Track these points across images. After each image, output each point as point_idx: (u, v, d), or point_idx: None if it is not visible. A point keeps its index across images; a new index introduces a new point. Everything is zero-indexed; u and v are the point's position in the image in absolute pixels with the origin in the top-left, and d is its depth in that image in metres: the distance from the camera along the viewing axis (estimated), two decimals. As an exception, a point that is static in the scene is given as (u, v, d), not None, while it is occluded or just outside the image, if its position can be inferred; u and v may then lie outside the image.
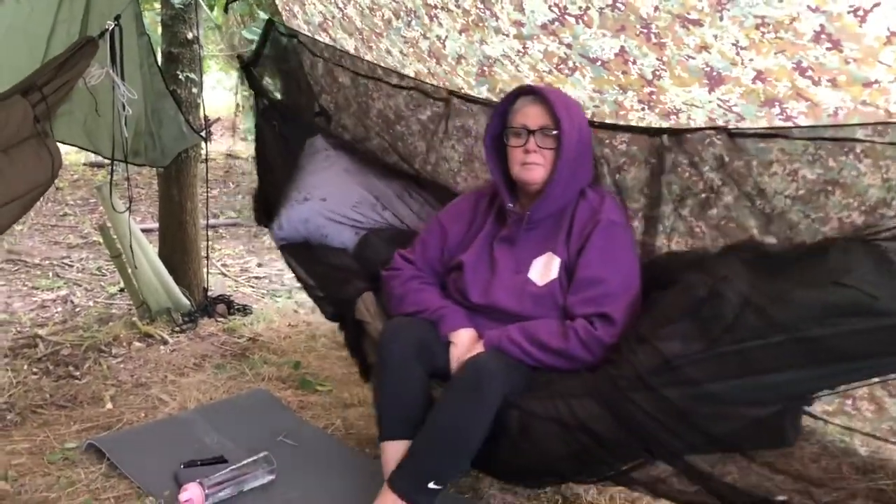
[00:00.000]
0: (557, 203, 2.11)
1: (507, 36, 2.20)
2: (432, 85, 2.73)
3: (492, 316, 2.14)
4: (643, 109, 2.16)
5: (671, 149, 2.15)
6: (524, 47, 2.21)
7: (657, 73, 1.98)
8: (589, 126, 2.16)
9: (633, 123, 2.23)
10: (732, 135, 2.01)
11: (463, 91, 2.61)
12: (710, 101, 1.96)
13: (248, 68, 3.16)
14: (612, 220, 2.09)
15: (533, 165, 2.08)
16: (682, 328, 1.76)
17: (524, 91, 2.14)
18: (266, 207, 3.01)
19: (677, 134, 2.13)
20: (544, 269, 2.11)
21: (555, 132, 2.05)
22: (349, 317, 2.46)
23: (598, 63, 2.08)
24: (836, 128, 1.80)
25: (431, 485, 1.91)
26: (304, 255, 2.78)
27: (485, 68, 2.42)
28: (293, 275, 2.89)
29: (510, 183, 2.20)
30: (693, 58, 1.86)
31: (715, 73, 1.86)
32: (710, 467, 1.78)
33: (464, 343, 2.12)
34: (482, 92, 2.54)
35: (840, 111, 1.76)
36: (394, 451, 2.00)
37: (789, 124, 1.88)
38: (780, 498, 2.01)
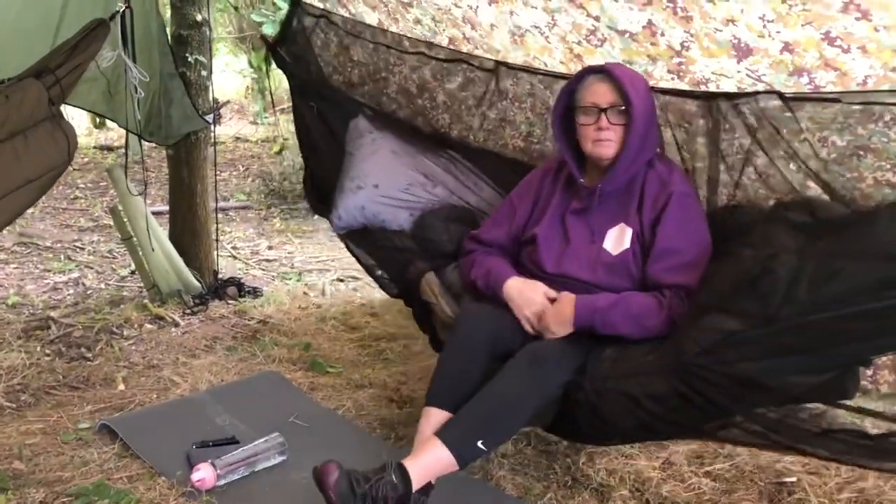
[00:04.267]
0: (627, 174, 2.16)
1: (536, 8, 2.19)
2: (476, 56, 2.72)
3: (565, 286, 2.18)
4: (673, 80, 2.18)
5: (723, 110, 2.17)
6: (553, 19, 2.21)
7: (685, 44, 1.99)
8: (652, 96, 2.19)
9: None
10: (785, 98, 2.00)
11: (501, 53, 2.59)
12: (738, 72, 1.97)
13: (275, 48, 3.14)
14: (683, 191, 2.15)
15: (606, 142, 2.12)
16: (737, 305, 1.82)
17: (591, 70, 2.16)
18: (318, 194, 3.09)
19: (731, 98, 2.13)
20: (618, 239, 2.16)
21: (624, 108, 2.08)
22: (416, 299, 2.57)
23: (627, 35, 2.09)
24: (878, 93, 1.80)
25: (479, 444, 1.96)
26: (364, 240, 2.85)
27: (516, 38, 2.41)
28: (356, 259, 2.95)
29: (578, 157, 2.24)
30: (720, 30, 1.86)
31: (743, 45, 1.87)
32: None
33: (518, 291, 2.20)
34: (518, 56, 2.53)
35: (869, 79, 1.77)
36: (435, 418, 2.05)
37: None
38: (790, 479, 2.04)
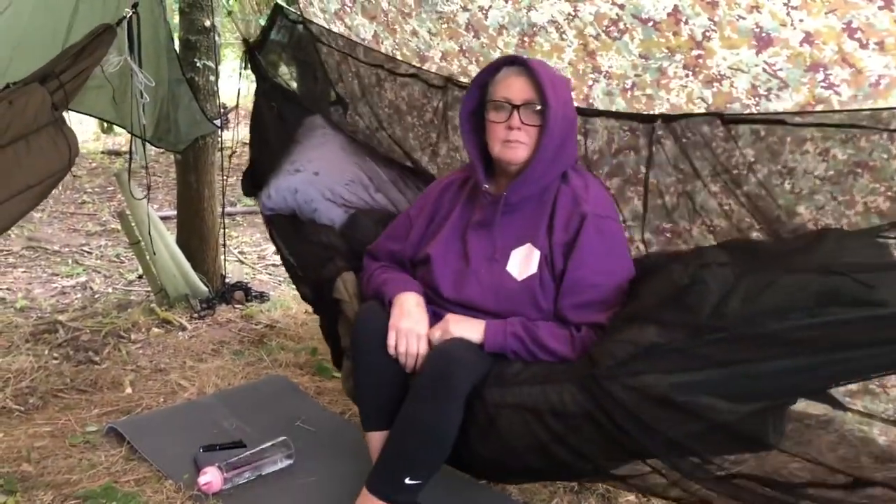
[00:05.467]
0: (538, 185, 1.94)
1: None
2: (433, 73, 2.72)
3: (464, 313, 1.97)
4: (686, 76, 2.10)
5: (660, 135, 2.12)
6: (575, 10, 2.15)
7: (707, 34, 1.95)
8: (576, 112, 2.04)
9: (675, 92, 2.18)
10: (726, 121, 1.99)
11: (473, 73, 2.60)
12: (755, 65, 1.93)
13: (253, 51, 3.12)
14: (600, 213, 1.92)
15: (516, 143, 1.91)
16: (662, 316, 1.68)
17: (508, 61, 1.96)
18: (255, 180, 2.93)
19: (668, 121, 2.10)
20: (524, 261, 1.94)
21: (540, 108, 1.89)
22: (326, 296, 2.35)
23: (650, 24, 2.03)
24: (817, 114, 1.83)
25: (408, 480, 1.84)
26: (289, 230, 2.70)
27: (525, 38, 2.38)
28: (276, 249, 2.82)
29: (486, 162, 2.03)
30: (744, 18, 1.85)
31: (764, 34, 1.85)
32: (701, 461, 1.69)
33: (403, 308, 1.96)
34: None
35: (882, 80, 1.76)
36: (377, 442, 1.97)
37: (830, 92, 1.86)
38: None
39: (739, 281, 1.63)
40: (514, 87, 1.91)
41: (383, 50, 2.87)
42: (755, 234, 2.03)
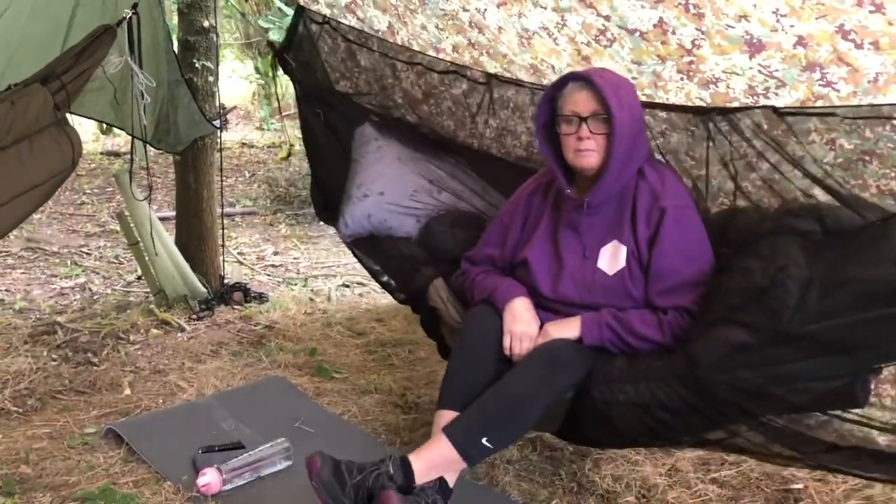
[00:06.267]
0: (615, 186, 2.08)
1: (546, 8, 2.18)
2: (471, 67, 2.73)
3: (564, 309, 2.13)
4: (682, 79, 2.13)
5: (716, 122, 2.15)
6: (562, 19, 2.18)
7: (696, 42, 1.96)
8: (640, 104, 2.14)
9: (673, 92, 2.21)
10: (780, 113, 2.00)
11: (508, 57, 2.60)
12: (750, 68, 1.94)
13: (282, 55, 3.16)
14: (678, 204, 2.07)
15: (588, 152, 2.06)
16: (748, 317, 1.80)
17: (572, 77, 2.10)
18: (324, 202, 3.11)
19: (725, 113, 2.12)
20: (612, 257, 2.10)
21: (605, 116, 2.02)
22: (423, 306, 2.55)
23: (637, 34, 2.05)
24: (876, 107, 1.82)
25: (485, 441, 1.93)
26: (371, 248, 2.86)
27: (524, 40, 2.40)
28: (363, 267, 2.98)
29: (566, 168, 2.17)
30: (732, 27, 1.85)
31: (755, 40, 1.85)
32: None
33: (516, 313, 2.13)
34: (525, 60, 2.52)
35: (880, 77, 1.76)
36: (447, 420, 2.02)
37: (828, 90, 1.87)
38: (797, 486, 2.05)
39: (815, 279, 1.74)
40: (579, 101, 2.05)
41: (399, 41, 2.87)
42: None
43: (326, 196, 3.09)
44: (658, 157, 2.33)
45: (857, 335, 1.67)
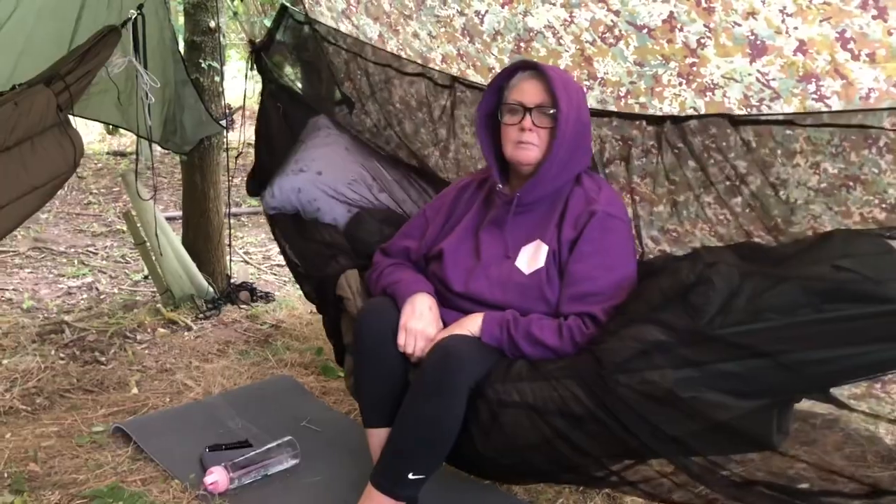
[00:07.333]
0: (550, 186, 1.98)
1: (554, 5, 2.16)
2: (439, 71, 2.71)
3: (473, 307, 2.00)
4: (680, 84, 2.11)
5: (695, 134, 2.10)
6: (571, 16, 2.16)
7: (702, 41, 1.95)
8: (589, 112, 2.06)
9: (668, 101, 2.19)
10: (735, 122, 1.98)
11: (494, 70, 2.59)
12: (749, 74, 1.93)
13: (259, 52, 3.13)
14: (609, 212, 1.95)
15: (528, 145, 1.95)
16: (666, 314, 1.68)
17: (522, 66, 2.01)
18: (260, 179, 2.95)
19: (678, 122, 2.09)
20: (532, 256, 1.98)
21: (552, 111, 1.93)
22: (330, 294, 2.38)
23: (645, 31, 2.04)
24: (863, 111, 1.79)
25: (411, 475, 1.86)
26: (292, 229, 2.73)
27: (522, 44, 2.38)
28: (277, 246, 2.84)
29: (502, 164, 2.08)
30: (739, 24, 1.85)
31: (759, 42, 1.85)
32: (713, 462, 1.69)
33: (416, 308, 2.00)
34: None
35: (872, 94, 1.75)
36: (377, 438, 1.98)
37: (820, 104, 1.86)
38: (803, 486, 2.01)
39: (746, 279, 1.63)
40: (527, 91, 1.96)
41: (389, 49, 2.87)
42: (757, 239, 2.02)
43: (264, 174, 2.93)
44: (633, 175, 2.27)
45: (783, 340, 1.52)
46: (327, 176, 2.70)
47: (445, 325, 2.01)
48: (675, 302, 1.69)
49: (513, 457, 1.87)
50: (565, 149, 1.94)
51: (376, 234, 2.49)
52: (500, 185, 2.05)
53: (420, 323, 1.98)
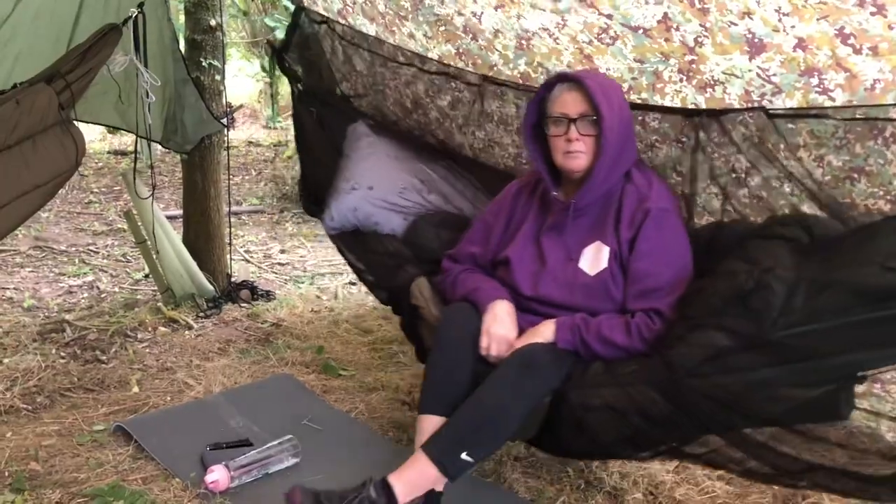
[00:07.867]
0: (602, 188, 2.08)
1: (544, 10, 2.17)
2: (462, 69, 2.71)
3: (543, 309, 2.11)
4: (681, 81, 2.12)
5: (706, 127, 2.13)
6: (563, 20, 2.18)
7: (699, 39, 1.96)
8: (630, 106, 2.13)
9: (669, 97, 2.20)
10: (771, 115, 1.98)
11: (497, 67, 2.59)
12: (749, 70, 1.94)
13: (280, 54, 3.17)
14: (662, 207, 2.05)
15: (576, 153, 2.05)
16: (729, 320, 1.77)
17: (561, 78, 2.10)
18: (312, 196, 3.08)
19: (715, 115, 2.10)
20: (594, 258, 2.08)
21: (595, 118, 2.01)
22: (404, 302, 2.51)
23: (640, 31, 2.05)
24: (869, 107, 1.79)
25: (464, 455, 1.91)
26: (355, 243, 2.84)
27: (522, 41, 2.39)
28: (346, 262, 2.95)
29: (553, 170, 2.16)
30: (735, 24, 1.85)
31: (757, 40, 1.85)
32: (765, 439, 1.81)
33: (497, 314, 2.10)
34: (520, 65, 2.51)
35: (878, 84, 1.75)
36: (429, 425, 2.01)
37: (824, 98, 1.86)
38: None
39: (801, 281, 1.71)
40: (569, 103, 2.05)
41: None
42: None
43: (314, 190, 3.06)
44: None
45: (841, 339, 1.64)
46: (378, 189, 2.78)
47: (519, 327, 2.11)
48: (735, 305, 1.78)
49: (598, 449, 2.04)
50: (612, 152, 2.03)
51: (434, 239, 2.65)
52: (555, 192, 2.14)
53: (502, 328, 2.08)
